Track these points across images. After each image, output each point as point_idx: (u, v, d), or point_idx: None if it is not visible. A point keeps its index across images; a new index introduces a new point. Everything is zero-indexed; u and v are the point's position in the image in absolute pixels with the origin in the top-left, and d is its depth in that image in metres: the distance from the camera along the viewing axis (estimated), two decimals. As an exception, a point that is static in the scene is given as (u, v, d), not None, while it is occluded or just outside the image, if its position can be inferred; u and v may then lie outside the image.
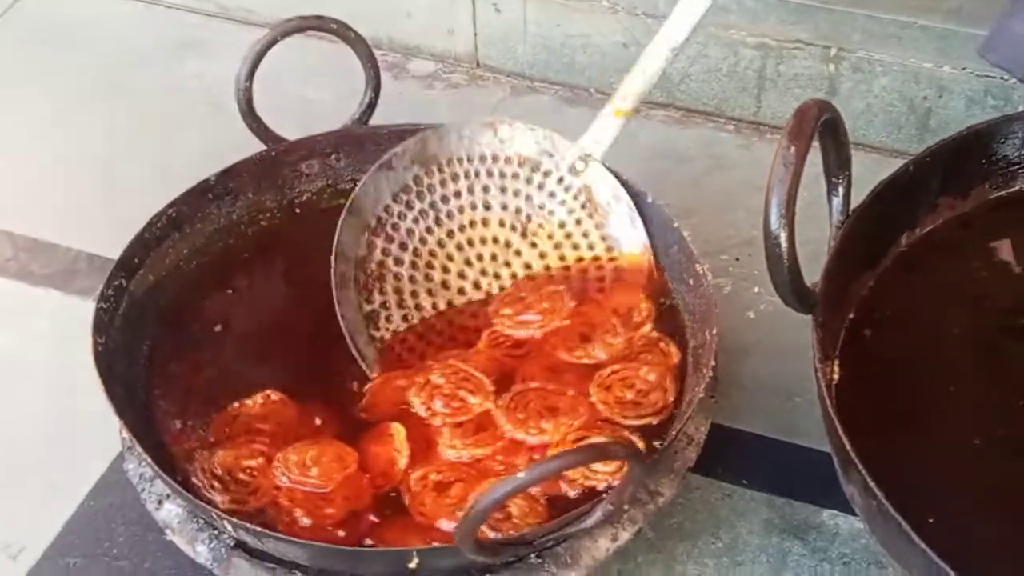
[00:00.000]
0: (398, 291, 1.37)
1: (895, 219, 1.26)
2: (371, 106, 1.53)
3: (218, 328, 1.40)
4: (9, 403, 1.51)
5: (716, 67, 1.86)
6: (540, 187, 1.40)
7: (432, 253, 1.40)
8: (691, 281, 1.35)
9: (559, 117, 1.92)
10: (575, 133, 1.85)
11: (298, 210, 1.52)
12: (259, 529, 1.14)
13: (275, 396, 1.30)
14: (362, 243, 1.38)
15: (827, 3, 1.78)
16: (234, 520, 1.14)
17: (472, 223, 1.41)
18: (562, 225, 1.40)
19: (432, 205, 1.41)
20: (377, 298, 1.36)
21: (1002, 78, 1.70)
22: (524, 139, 1.42)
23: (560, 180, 1.39)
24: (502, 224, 1.41)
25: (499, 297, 1.38)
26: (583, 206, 1.38)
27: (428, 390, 1.28)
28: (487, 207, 1.42)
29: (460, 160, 1.42)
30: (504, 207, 1.41)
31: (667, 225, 1.39)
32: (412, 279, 1.38)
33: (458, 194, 1.42)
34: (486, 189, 1.41)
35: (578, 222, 1.38)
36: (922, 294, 1.25)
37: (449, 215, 1.41)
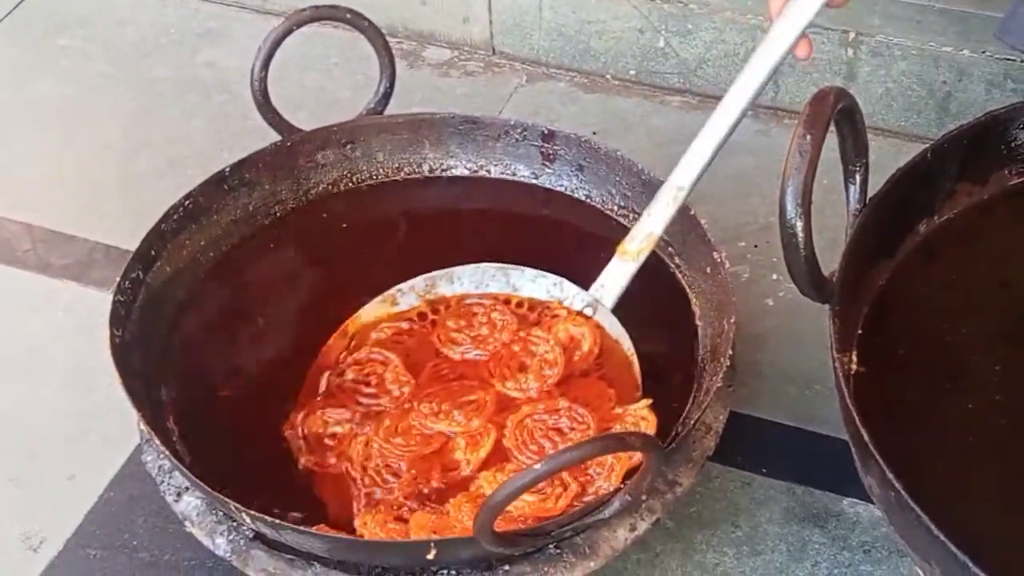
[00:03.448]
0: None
1: (913, 207, 1.25)
2: (386, 95, 1.53)
3: (235, 321, 1.39)
4: (28, 394, 1.52)
5: (734, 52, 1.85)
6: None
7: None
8: (708, 269, 1.34)
9: (575, 104, 1.92)
10: (591, 120, 1.85)
11: (314, 200, 1.52)
12: (277, 521, 1.14)
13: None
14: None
15: (845, -14, 1.77)
16: (252, 512, 1.15)
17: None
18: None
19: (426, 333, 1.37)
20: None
21: (1022, 61, 1.69)
22: (535, 285, 1.38)
23: None
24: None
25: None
26: None
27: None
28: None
29: (470, 297, 1.39)
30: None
31: (684, 212, 1.38)
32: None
33: (458, 329, 1.37)
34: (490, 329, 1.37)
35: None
36: (941, 283, 1.24)
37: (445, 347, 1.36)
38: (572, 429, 1.25)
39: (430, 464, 1.24)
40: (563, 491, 1.19)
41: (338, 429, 1.28)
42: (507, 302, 1.38)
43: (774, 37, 1.24)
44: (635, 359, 1.30)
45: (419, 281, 1.39)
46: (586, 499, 1.18)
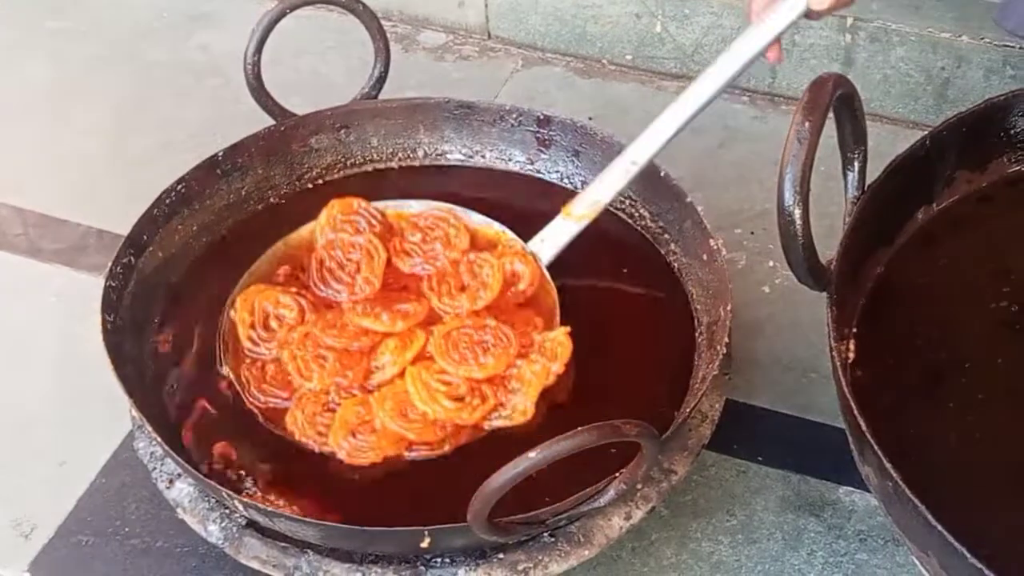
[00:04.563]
0: None
1: (911, 194, 1.24)
2: (381, 79, 1.52)
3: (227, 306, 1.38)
4: (19, 380, 1.51)
5: (731, 37, 1.83)
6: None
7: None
8: (704, 256, 1.34)
9: (571, 89, 1.91)
10: (587, 105, 1.84)
11: (308, 186, 1.51)
12: (270, 509, 1.14)
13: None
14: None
15: (843, -28, 1.76)
16: (245, 500, 1.14)
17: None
18: None
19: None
20: None
21: (1021, 47, 1.68)
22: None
23: None
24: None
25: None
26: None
27: None
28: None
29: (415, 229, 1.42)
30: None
31: (680, 199, 1.37)
32: None
33: (415, 243, 1.40)
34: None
35: None
36: (939, 270, 1.24)
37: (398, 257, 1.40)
38: (495, 346, 1.28)
39: (355, 361, 1.28)
40: (481, 403, 1.24)
41: (285, 312, 1.32)
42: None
43: (750, 38, 1.27)
44: (557, 308, 1.34)
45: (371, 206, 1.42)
46: (502, 411, 1.24)
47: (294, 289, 1.35)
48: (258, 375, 1.29)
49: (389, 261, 1.38)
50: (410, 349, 1.28)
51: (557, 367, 1.27)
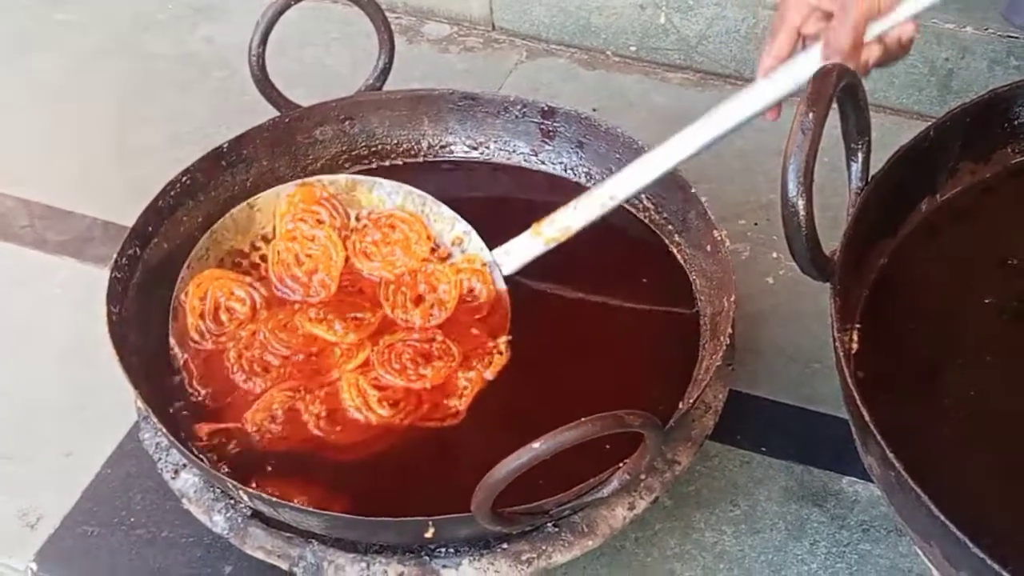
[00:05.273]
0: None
1: (915, 185, 1.24)
2: (385, 71, 1.52)
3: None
4: (25, 371, 1.51)
5: (734, 28, 1.84)
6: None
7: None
8: (709, 247, 1.34)
9: (575, 80, 1.91)
10: (591, 97, 1.84)
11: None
12: (275, 499, 1.14)
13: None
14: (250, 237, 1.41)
15: (847, -38, 1.76)
16: (250, 491, 1.14)
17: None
18: None
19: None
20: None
21: (1025, 39, 1.68)
22: (445, 224, 1.41)
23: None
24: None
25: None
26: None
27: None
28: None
29: (375, 215, 1.43)
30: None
31: (685, 190, 1.37)
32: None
33: (375, 243, 1.41)
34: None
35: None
36: (942, 261, 1.23)
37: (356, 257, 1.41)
38: (438, 359, 1.30)
39: (300, 368, 1.29)
40: (415, 407, 1.26)
41: (236, 306, 1.33)
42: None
43: (753, 95, 1.24)
44: (507, 322, 1.34)
45: (341, 178, 1.43)
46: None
47: (248, 280, 1.36)
48: (200, 365, 1.30)
49: (347, 260, 1.38)
50: (353, 360, 1.30)
51: (489, 374, 1.29)
